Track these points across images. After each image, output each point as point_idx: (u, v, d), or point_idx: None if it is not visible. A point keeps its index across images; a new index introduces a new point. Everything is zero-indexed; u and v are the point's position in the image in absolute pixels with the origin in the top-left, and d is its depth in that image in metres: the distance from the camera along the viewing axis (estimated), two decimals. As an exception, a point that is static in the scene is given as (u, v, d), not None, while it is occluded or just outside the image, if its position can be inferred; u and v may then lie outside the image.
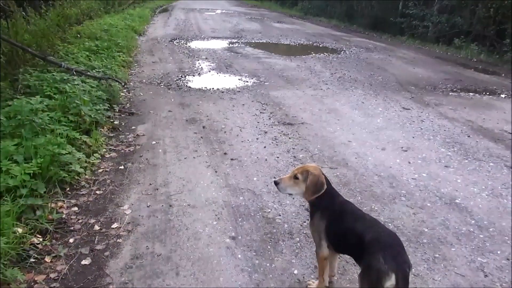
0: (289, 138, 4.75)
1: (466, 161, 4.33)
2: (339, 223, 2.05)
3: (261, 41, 12.76)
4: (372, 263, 1.71)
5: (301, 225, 2.97)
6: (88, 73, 5.81)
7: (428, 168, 4.09)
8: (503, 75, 9.52)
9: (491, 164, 4.28)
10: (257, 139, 4.67)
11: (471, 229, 3.01)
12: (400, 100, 6.66)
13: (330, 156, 4.27)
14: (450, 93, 7.42)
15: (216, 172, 3.80)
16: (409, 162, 4.21)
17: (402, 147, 4.62)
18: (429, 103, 6.60)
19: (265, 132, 4.89)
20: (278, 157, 4.18)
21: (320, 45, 12.56)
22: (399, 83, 7.94)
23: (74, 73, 5.59)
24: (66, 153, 3.45)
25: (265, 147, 4.44)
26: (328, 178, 2.17)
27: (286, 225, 2.96)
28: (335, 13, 21.84)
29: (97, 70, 6.24)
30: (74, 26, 10.14)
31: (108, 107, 5.13)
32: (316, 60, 9.84)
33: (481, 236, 2.93)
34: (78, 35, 8.58)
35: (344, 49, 11.93)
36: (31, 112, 3.91)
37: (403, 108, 6.24)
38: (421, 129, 5.31)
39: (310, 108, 5.97)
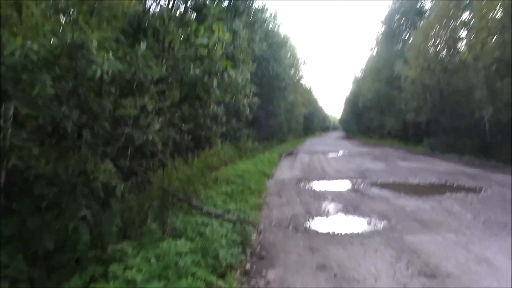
0: (435, 293, 4.16)
1: None
2: None
3: (387, 181, 12.49)
4: None
5: None
6: (225, 216, 6.30)
7: None
8: None
9: None
10: (396, 292, 4.20)
11: None
12: None
13: (492, 321, 3.54)
14: None
15: (352, 330, 3.42)
16: None
17: None
18: None
19: (405, 285, 4.39)
20: (424, 318, 3.63)
21: (454, 184, 11.69)
22: None
23: (213, 216, 6.13)
24: (205, 298, 3.56)
25: (406, 303, 3.94)
26: None
27: None
28: (467, 149, 20.67)
29: (232, 213, 6.75)
30: (213, 172, 11.53)
31: (241, 250, 5.33)
32: (453, 201, 9.06)
33: None
34: (218, 181, 9.63)
35: (484, 187, 10.86)
36: (176, 254, 4.29)
37: None
38: None
39: (454, 257, 5.28)
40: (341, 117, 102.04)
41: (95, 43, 3.23)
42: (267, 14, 24.10)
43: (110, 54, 3.36)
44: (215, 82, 4.31)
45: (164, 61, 4.56)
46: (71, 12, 4.84)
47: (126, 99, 4.66)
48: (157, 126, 4.56)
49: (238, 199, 8.10)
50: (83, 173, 4.29)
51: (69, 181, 4.35)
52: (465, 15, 24.75)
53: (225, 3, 7.95)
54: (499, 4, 17.18)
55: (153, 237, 5.04)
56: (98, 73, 3.19)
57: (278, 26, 29.75)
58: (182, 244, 4.59)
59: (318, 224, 7.25)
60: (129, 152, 5.79)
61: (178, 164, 9.62)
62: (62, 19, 5.07)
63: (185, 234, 5.26)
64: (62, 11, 4.75)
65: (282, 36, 30.33)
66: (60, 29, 3.51)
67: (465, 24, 24.50)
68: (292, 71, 35.53)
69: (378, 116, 41.21)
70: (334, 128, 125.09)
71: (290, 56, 35.64)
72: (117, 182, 4.50)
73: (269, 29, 24.86)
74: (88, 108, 4.35)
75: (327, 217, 7.82)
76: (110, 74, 3.31)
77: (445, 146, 22.95)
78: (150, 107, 4.20)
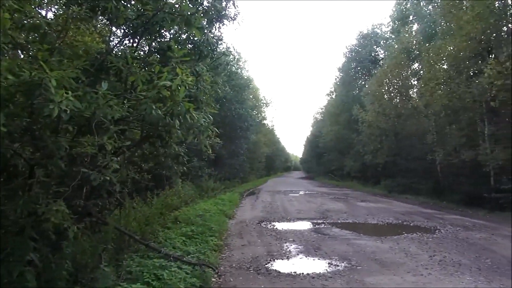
0: (394, 336, 4.17)
1: None
2: None
3: (347, 221, 12.69)
4: None
5: None
6: (184, 259, 6.11)
7: None
8: None
9: None
10: (356, 336, 4.17)
11: None
12: (521, 289, 5.74)
13: None
14: None
15: None
16: None
17: None
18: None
19: (365, 328, 4.38)
20: None
21: (411, 224, 12.07)
22: (513, 267, 6.99)
23: (172, 259, 5.92)
24: None
25: None
26: None
27: None
28: (421, 190, 21.55)
29: (192, 255, 6.55)
30: (173, 212, 11.23)
31: (200, 295, 5.15)
32: (410, 241, 9.31)
33: None
34: (177, 221, 9.38)
35: (438, 227, 11.28)
36: (130, 301, 4.08)
37: (528, 299, 5.31)
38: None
39: (412, 298, 5.36)
40: (302, 157, 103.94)
41: (53, 82, 3.17)
42: (231, 57, 24.74)
43: (70, 93, 3.30)
44: (177, 123, 4.32)
45: (125, 101, 4.53)
46: (30, 48, 4.75)
47: (84, 137, 4.54)
48: (115, 166, 4.44)
49: (198, 240, 7.89)
50: (32, 214, 4.05)
51: (17, 222, 4.08)
52: (415, 65, 26.71)
53: (189, 46, 8.11)
54: (445, 56, 18.68)
55: (107, 282, 4.78)
56: (56, 112, 3.12)
57: (242, 68, 30.60)
58: (137, 290, 4.38)
59: (279, 266, 7.16)
60: (84, 192, 5.55)
61: (136, 204, 9.30)
62: (20, 56, 4.97)
63: (142, 278, 5.03)
64: (21, 47, 4.66)
65: (245, 78, 31.11)
66: (17, 67, 3.42)
67: (415, 73, 26.37)
68: (255, 112, 36.18)
69: (338, 158, 42.34)
70: (296, 168, 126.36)
71: (253, 97, 36.43)
72: (70, 224, 4.28)
73: (233, 71, 25.43)
74: (42, 146, 4.18)
75: (288, 259, 7.76)
76: (68, 112, 3.23)
77: (401, 187, 23.82)
78: (109, 147, 4.11)
